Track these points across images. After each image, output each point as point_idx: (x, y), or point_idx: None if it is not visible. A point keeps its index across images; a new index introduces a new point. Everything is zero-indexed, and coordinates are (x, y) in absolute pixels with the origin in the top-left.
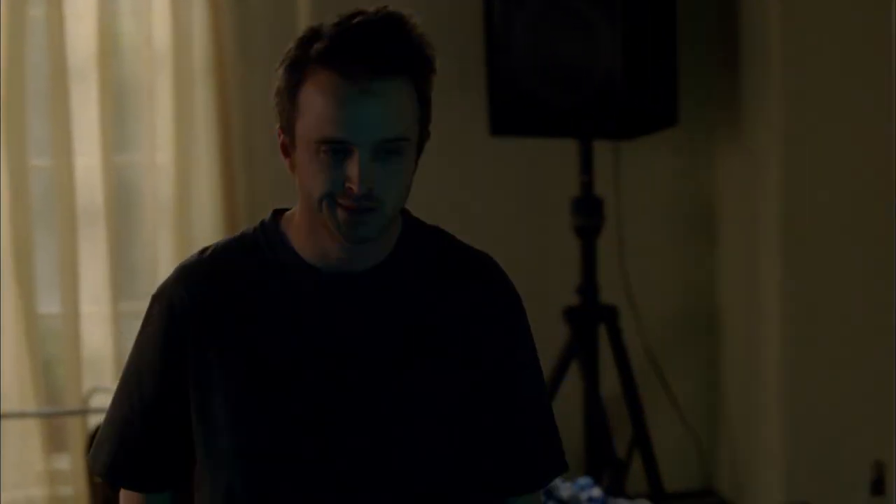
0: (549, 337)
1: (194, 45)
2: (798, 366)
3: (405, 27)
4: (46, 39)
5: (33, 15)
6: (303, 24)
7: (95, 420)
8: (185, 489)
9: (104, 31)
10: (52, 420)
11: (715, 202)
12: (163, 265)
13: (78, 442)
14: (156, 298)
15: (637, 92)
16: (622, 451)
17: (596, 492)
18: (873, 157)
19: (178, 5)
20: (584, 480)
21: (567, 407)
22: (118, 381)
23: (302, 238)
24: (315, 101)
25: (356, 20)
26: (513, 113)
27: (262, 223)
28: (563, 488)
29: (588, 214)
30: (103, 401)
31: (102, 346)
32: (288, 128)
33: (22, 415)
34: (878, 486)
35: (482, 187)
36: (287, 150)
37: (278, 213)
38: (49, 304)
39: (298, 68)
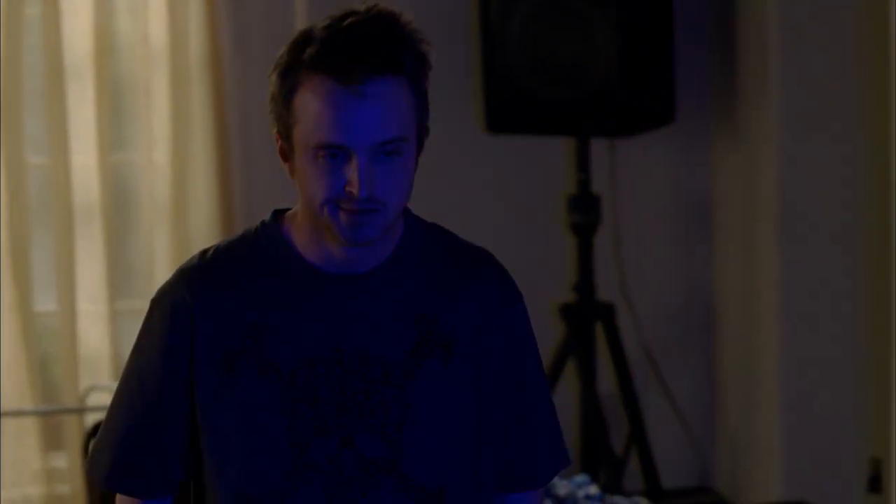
0: (545, 334)
1: (191, 42)
2: (795, 363)
3: (397, 25)
4: (43, 37)
5: (29, 13)
6: (299, 21)
7: (92, 418)
8: (185, 496)
9: (100, 30)
10: (49, 418)
11: (712, 199)
12: (159, 264)
13: (75, 440)
14: (156, 302)
15: (634, 89)
16: (619, 448)
17: (593, 489)
18: (871, 154)
19: (174, 3)
20: (581, 478)
21: (564, 405)
22: (117, 388)
23: (305, 239)
24: (310, 107)
25: (347, 22)
26: (509, 110)
27: (263, 224)
28: (561, 486)
29: (585, 212)
30: (100, 399)
31: (99, 344)
32: (285, 133)
33: (19, 413)
34: (874, 484)
35: (479, 185)
36: (286, 154)
37: (279, 214)
38: (46, 303)
39: (292, 74)
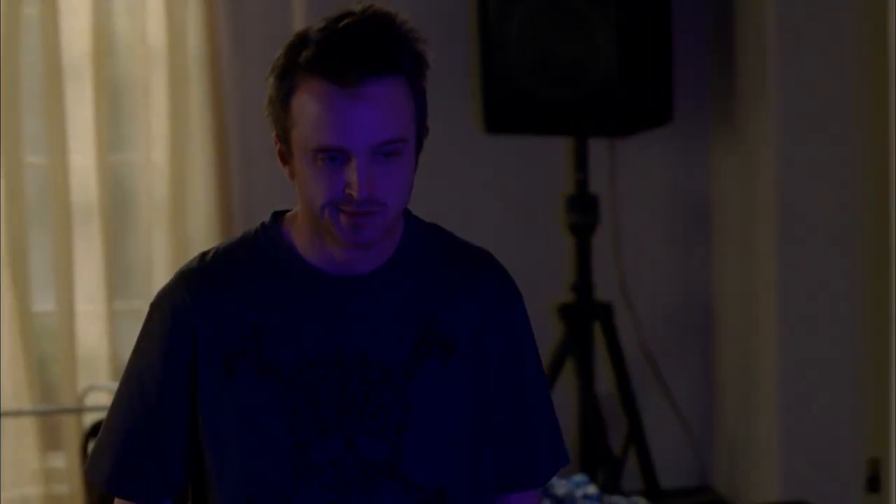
0: (544, 334)
1: (189, 42)
2: (794, 363)
3: (392, 25)
4: (41, 38)
5: (28, 13)
6: (297, 20)
7: (91, 418)
8: (185, 499)
9: (98, 29)
10: (48, 418)
11: (710, 199)
12: (158, 263)
13: (73, 440)
14: (155, 305)
15: (633, 89)
16: (618, 448)
17: (591, 489)
18: (869, 155)
19: (172, 3)
20: (579, 478)
21: (562, 404)
22: (116, 392)
23: (305, 241)
24: (308, 110)
25: (342, 23)
26: (508, 110)
27: (263, 226)
28: (559, 486)
29: (583, 212)
30: (98, 399)
31: (97, 344)
32: (283, 137)
33: (17, 413)
34: (873, 484)
35: (477, 185)
36: (285, 157)
37: (278, 216)
38: (44, 303)
39: (288, 76)
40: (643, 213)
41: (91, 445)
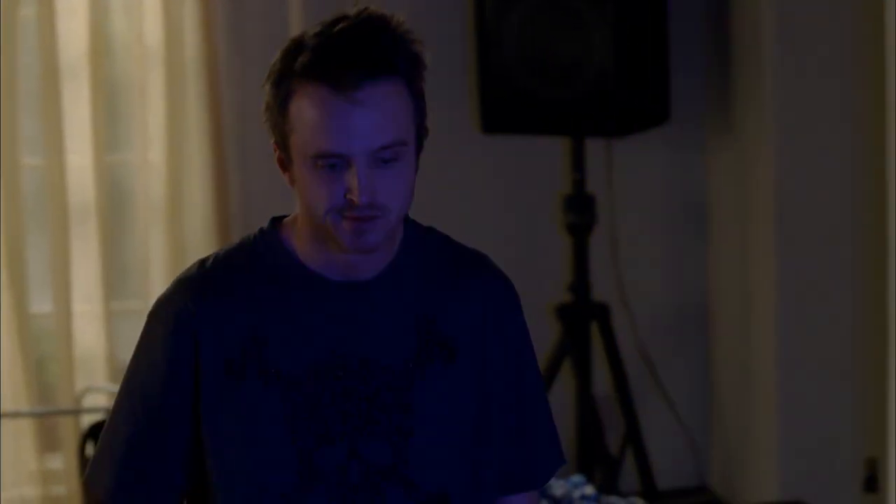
0: (541, 335)
1: (186, 42)
2: (791, 363)
3: (388, 27)
4: (38, 38)
5: (24, 14)
6: (294, 20)
7: (88, 420)
8: None
9: (95, 30)
10: (45, 420)
11: (707, 199)
12: (155, 264)
13: (71, 441)
14: (154, 314)
15: (629, 89)
16: (615, 448)
17: (589, 489)
18: (867, 154)
19: (169, 3)
20: (576, 478)
21: (559, 405)
22: (116, 401)
23: (306, 247)
24: (306, 116)
25: (338, 27)
26: (504, 110)
27: (262, 231)
28: (556, 486)
29: (580, 212)
30: (96, 400)
31: (95, 345)
32: (282, 143)
33: (15, 414)
34: (871, 484)
35: (473, 185)
36: (284, 164)
37: (276, 221)
38: (41, 304)
39: (285, 82)
40: (640, 212)
41: (88, 447)
